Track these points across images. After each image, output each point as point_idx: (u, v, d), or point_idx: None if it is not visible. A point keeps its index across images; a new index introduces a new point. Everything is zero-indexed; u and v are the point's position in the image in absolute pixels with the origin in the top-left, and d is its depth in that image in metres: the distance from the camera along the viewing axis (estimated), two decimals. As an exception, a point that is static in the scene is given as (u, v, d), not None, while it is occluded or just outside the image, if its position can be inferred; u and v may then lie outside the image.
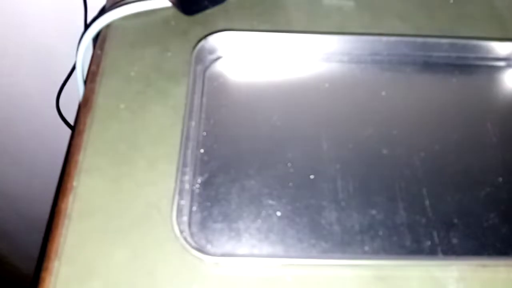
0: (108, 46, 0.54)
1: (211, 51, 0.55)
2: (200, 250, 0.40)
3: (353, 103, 0.54)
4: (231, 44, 0.55)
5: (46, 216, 1.03)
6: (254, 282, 0.40)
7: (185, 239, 0.41)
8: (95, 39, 0.57)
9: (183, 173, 0.45)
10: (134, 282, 0.39)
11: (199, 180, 0.46)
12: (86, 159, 0.45)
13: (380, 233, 0.44)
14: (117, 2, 0.57)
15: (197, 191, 0.45)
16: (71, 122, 0.81)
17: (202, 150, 0.48)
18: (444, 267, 0.42)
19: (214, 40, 0.55)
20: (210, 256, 0.40)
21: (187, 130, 0.48)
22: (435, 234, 0.44)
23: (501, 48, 0.57)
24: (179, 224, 0.41)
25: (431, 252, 0.43)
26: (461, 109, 0.54)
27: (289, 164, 0.48)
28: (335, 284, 0.40)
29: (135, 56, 0.53)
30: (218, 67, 0.55)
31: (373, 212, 0.45)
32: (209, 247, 0.42)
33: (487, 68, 0.57)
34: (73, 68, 0.73)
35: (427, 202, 0.46)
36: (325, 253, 0.43)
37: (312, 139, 0.50)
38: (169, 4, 0.57)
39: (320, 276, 0.41)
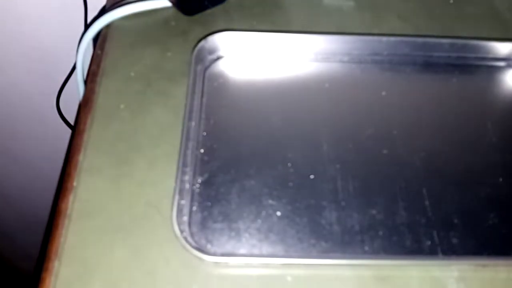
0: (108, 46, 0.54)
1: (211, 51, 0.55)
2: (200, 249, 0.40)
3: (353, 103, 0.54)
4: (231, 44, 0.55)
5: (46, 216, 1.03)
6: (254, 281, 0.40)
7: (185, 239, 0.41)
8: (95, 39, 0.57)
9: (183, 173, 0.45)
10: (134, 282, 0.39)
11: (199, 180, 0.46)
12: (86, 159, 0.45)
13: (380, 233, 0.44)
14: (117, 2, 0.57)
15: (197, 191, 0.45)
16: (71, 122, 0.81)
17: (202, 150, 0.48)
18: (444, 267, 0.42)
19: (214, 40, 0.55)
20: (210, 256, 0.40)
21: (187, 130, 0.48)
22: (435, 234, 0.44)
23: (501, 48, 0.57)
24: (179, 224, 0.41)
25: (431, 252, 0.43)
26: (461, 109, 0.54)
27: (289, 164, 0.48)
28: (335, 284, 0.40)
29: (135, 56, 0.54)
30: (218, 67, 0.55)
31: (373, 212, 0.45)
32: (209, 247, 0.42)
33: (487, 68, 0.57)
34: (73, 68, 0.73)
35: (427, 202, 0.46)
36: (325, 253, 0.43)
37: (312, 139, 0.50)
38: (169, 4, 0.57)
39: (320, 276, 0.41)
